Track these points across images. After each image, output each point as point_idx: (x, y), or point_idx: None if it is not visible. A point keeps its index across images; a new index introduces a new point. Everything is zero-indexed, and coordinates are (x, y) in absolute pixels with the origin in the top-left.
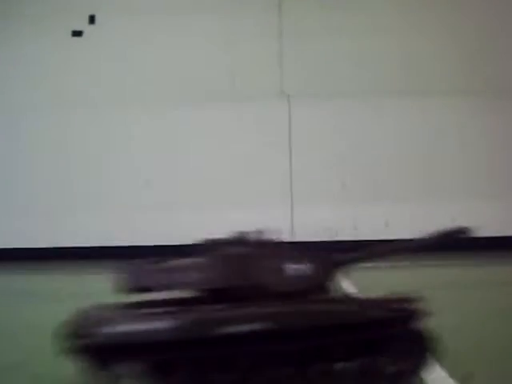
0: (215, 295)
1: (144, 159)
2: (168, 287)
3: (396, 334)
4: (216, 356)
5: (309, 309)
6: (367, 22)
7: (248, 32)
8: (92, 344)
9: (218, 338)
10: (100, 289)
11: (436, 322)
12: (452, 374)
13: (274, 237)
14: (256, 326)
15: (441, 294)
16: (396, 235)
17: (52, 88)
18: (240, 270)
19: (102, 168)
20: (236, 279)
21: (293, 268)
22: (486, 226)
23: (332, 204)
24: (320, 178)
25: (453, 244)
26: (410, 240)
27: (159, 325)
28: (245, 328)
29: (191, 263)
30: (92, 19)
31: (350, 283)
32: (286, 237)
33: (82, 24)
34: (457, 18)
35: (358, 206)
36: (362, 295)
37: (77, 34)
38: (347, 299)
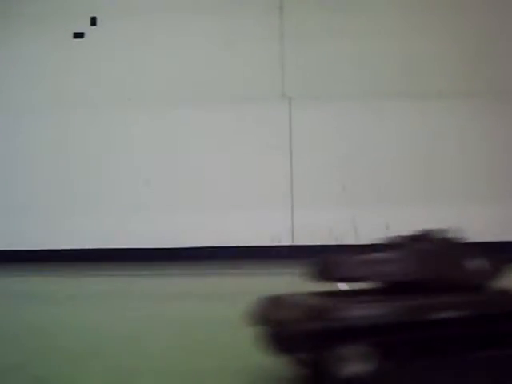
0: (402, 286)
1: (144, 159)
2: (372, 278)
3: None
4: (427, 339)
5: (499, 298)
6: (368, 25)
7: (249, 34)
8: (324, 328)
9: (429, 323)
10: (98, 291)
11: None
12: None
13: (456, 235)
14: (461, 313)
15: None
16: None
17: (53, 89)
18: (430, 264)
19: (102, 169)
20: (427, 272)
21: (473, 263)
22: (487, 230)
23: (332, 207)
24: (321, 180)
25: None
26: None
27: (381, 310)
28: (451, 314)
29: (393, 257)
30: (93, 21)
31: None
32: (287, 240)
33: (83, 26)
34: (458, 20)
35: (358, 209)
36: None
37: (78, 35)
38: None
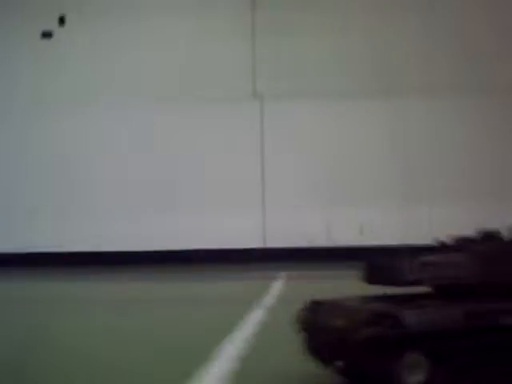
0: (463, 290)
1: (115, 161)
2: (431, 281)
3: None
4: (490, 347)
5: None
6: (344, 22)
7: (219, 32)
8: (387, 335)
9: (494, 329)
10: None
11: None
12: None
13: None
14: None
15: None
16: (370, 241)
17: (21, 90)
18: (494, 266)
19: (70, 170)
20: (491, 275)
21: None
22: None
23: (305, 209)
24: (293, 182)
25: None
26: None
27: (443, 315)
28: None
29: (455, 259)
30: (62, 21)
31: (276, 290)
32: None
33: (51, 25)
34: (433, 19)
35: (331, 211)
36: None
37: (46, 35)
38: None
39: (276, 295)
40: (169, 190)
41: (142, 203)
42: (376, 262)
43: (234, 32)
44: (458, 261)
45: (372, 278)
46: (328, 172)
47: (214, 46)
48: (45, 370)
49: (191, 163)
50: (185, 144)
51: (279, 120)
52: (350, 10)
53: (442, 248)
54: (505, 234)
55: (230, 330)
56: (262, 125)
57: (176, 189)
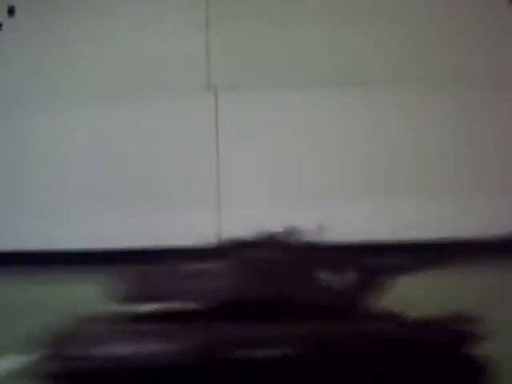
0: (229, 308)
1: (59, 159)
2: (172, 297)
3: (449, 360)
4: None
5: (354, 329)
6: (302, 9)
7: (172, 20)
8: (77, 369)
9: (234, 364)
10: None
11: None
12: None
13: (309, 238)
14: (288, 350)
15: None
16: (332, 238)
17: None
18: (264, 278)
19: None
20: (258, 290)
21: (330, 277)
22: (431, 228)
23: (264, 206)
24: (251, 178)
25: None
26: (481, 240)
27: (158, 347)
28: (272, 352)
29: (203, 269)
30: (11, 11)
31: None
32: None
33: (0, 16)
34: (399, 5)
35: (292, 208)
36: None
37: None
38: (394, 318)
39: None
40: (118, 188)
41: (88, 201)
42: (121, 272)
43: (185, 21)
44: (215, 271)
45: (121, 294)
46: (288, 167)
47: (165, 35)
48: None
49: (142, 159)
50: (135, 140)
51: (235, 113)
52: None
53: (209, 254)
54: (298, 235)
55: None
56: (216, 118)
57: (126, 186)
